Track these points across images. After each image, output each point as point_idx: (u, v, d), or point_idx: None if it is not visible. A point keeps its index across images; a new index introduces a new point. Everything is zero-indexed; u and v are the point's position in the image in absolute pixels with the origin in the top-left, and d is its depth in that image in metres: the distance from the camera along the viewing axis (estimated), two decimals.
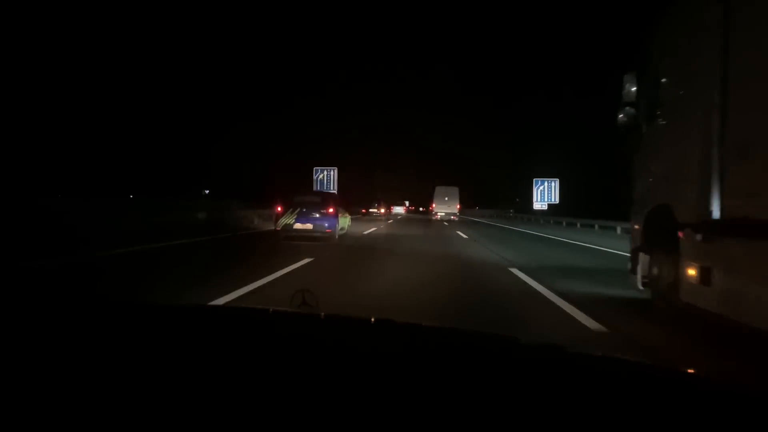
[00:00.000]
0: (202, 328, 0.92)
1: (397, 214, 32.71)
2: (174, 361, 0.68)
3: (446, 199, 28.08)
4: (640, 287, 4.24)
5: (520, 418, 0.54)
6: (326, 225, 9.87)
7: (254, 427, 0.49)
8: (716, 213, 3.00)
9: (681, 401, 0.62)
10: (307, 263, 7.05)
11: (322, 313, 1.08)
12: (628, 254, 4.76)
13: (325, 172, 44.04)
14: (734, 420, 0.57)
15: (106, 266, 6.48)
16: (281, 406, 0.53)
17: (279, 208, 10.17)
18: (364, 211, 28.74)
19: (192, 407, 0.52)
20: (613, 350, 2.48)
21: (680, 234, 3.42)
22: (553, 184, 36.71)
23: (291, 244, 9.52)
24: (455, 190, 28.60)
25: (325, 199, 10.69)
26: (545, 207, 34.99)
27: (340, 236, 10.94)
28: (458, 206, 28.83)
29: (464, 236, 15.11)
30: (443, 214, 27.33)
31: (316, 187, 38.59)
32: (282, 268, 6.39)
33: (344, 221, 11.86)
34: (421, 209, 60.41)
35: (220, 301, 4.12)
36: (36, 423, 0.48)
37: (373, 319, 1.03)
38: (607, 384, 0.69)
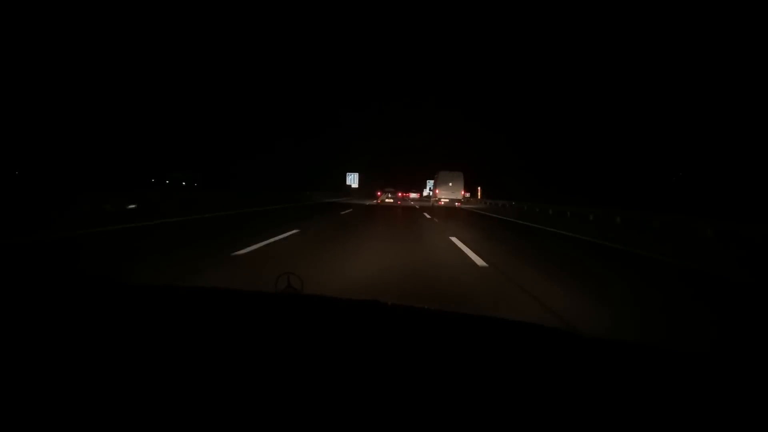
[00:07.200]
0: (188, 310, 0.91)
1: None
2: (159, 344, 0.67)
3: (450, 184, 27.34)
4: None
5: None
6: (397, 199, 30.73)
7: (240, 411, 0.48)
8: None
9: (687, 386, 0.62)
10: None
11: (307, 295, 1.09)
12: None
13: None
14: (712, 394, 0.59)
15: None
16: (269, 392, 0.53)
17: (378, 194, 31.63)
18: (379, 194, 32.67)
19: (179, 392, 0.52)
20: None
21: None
22: None
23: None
24: (459, 175, 27.81)
25: (396, 189, 33.05)
26: None
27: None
28: (462, 192, 28.14)
29: None
30: (447, 200, 27.00)
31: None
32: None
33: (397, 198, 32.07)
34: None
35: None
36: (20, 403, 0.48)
37: (359, 300, 1.02)
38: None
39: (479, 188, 41.44)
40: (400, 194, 34.91)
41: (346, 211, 15.01)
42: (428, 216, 14.02)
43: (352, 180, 67.93)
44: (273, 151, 58.07)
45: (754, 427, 0.52)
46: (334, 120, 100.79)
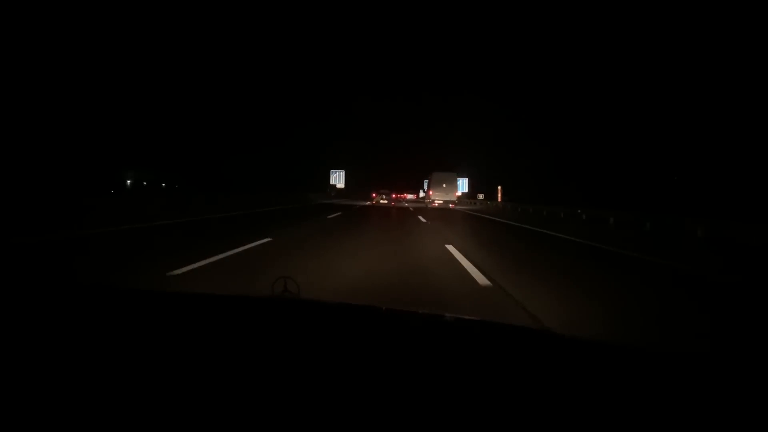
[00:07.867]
0: (185, 315, 0.92)
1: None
2: (154, 349, 0.67)
3: (444, 186, 26.90)
4: None
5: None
6: (391, 200, 30.28)
7: (237, 416, 0.47)
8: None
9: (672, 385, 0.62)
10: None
11: (304, 300, 1.07)
12: None
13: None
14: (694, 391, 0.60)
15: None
16: (265, 396, 0.53)
17: (374, 195, 32.42)
18: (374, 195, 33.35)
19: (176, 397, 0.51)
20: None
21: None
22: None
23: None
24: (453, 176, 27.69)
25: (390, 191, 32.46)
26: None
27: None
28: (457, 194, 28.05)
29: None
30: (441, 201, 26.46)
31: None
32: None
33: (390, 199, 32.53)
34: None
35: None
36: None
37: (355, 305, 1.00)
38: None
39: (500, 188, 36.98)
40: (393, 195, 35.18)
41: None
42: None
43: (337, 179, 61.80)
44: (253, 150, 55.25)
45: (750, 428, 0.51)
46: (318, 115, 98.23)
